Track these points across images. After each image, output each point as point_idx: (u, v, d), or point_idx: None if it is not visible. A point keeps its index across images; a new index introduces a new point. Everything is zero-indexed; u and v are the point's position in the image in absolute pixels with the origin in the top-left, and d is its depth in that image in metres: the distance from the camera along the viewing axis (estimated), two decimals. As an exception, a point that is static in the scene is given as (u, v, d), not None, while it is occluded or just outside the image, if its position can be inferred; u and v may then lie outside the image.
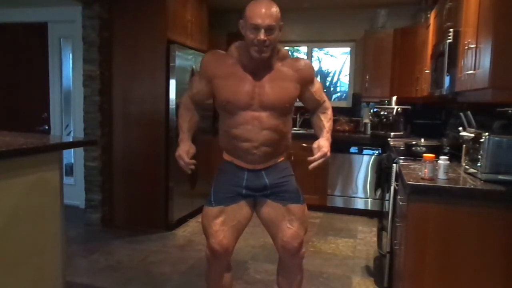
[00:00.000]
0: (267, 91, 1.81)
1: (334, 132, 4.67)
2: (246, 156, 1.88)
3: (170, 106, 3.70)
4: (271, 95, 1.81)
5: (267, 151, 1.87)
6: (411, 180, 1.84)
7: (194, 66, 3.92)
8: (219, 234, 1.88)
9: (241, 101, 1.80)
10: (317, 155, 1.83)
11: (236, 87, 1.81)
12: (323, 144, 1.87)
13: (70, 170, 4.52)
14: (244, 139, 1.84)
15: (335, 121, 4.89)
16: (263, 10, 1.69)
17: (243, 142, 1.85)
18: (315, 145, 1.88)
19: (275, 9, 1.72)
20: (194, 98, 1.99)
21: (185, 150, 1.91)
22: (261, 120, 1.82)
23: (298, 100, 1.96)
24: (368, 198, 4.42)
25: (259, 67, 1.83)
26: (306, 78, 1.91)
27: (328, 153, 1.86)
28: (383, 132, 4.36)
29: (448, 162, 1.88)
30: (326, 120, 2.01)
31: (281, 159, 1.98)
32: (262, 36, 1.69)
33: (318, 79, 5.06)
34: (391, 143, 3.56)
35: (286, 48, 5.36)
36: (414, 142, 2.84)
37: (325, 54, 5.55)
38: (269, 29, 1.70)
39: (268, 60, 1.81)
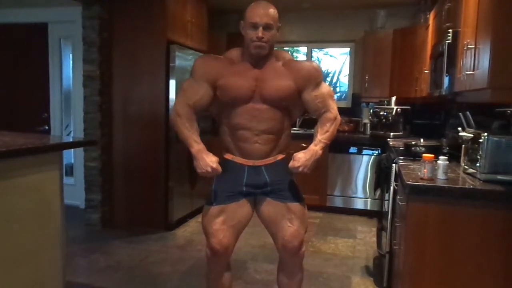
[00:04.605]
0: (267, 85, 1.85)
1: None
2: (247, 146, 1.89)
3: (170, 106, 3.70)
4: (270, 89, 1.85)
5: (268, 138, 1.89)
6: (410, 180, 1.85)
7: (194, 66, 3.91)
8: (219, 233, 1.89)
9: (245, 95, 1.85)
10: (289, 164, 1.86)
11: (240, 83, 1.85)
12: (300, 156, 1.84)
13: (70, 170, 4.52)
14: (246, 128, 1.87)
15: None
16: (261, 10, 1.80)
17: (244, 130, 1.88)
18: (294, 154, 1.86)
19: (272, 10, 1.83)
20: (196, 105, 1.90)
21: (215, 161, 1.85)
22: (262, 110, 1.86)
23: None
24: (367, 198, 4.42)
25: (259, 64, 1.88)
26: (305, 79, 1.90)
27: (302, 168, 1.82)
28: (382, 132, 4.36)
29: (447, 162, 1.88)
30: (321, 133, 1.92)
31: (281, 157, 1.98)
32: (260, 33, 1.78)
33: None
34: (391, 143, 3.56)
35: (286, 48, 5.41)
36: (413, 142, 2.85)
37: (324, 54, 5.56)
38: (266, 27, 1.79)
39: (266, 58, 1.87)
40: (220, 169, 1.86)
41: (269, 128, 1.89)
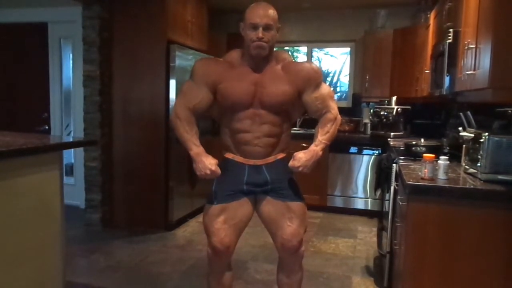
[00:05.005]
0: (266, 91, 1.86)
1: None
2: (248, 148, 1.90)
3: (170, 106, 3.70)
4: (269, 96, 1.86)
5: (268, 141, 1.90)
6: (411, 180, 1.84)
7: (194, 66, 3.91)
8: (221, 232, 1.90)
9: (245, 102, 1.86)
10: (289, 163, 1.87)
11: (239, 89, 1.85)
12: (300, 156, 1.85)
13: (70, 170, 4.52)
14: (247, 131, 1.88)
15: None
16: (261, 11, 1.81)
17: (245, 133, 1.89)
18: (295, 154, 1.88)
19: (272, 11, 1.83)
20: (195, 108, 1.91)
21: (214, 163, 1.86)
22: (261, 115, 1.87)
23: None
24: (368, 198, 4.42)
25: (259, 67, 1.88)
26: (305, 81, 1.90)
27: (302, 168, 1.84)
28: (383, 132, 4.36)
29: (448, 162, 1.88)
30: (321, 133, 1.93)
31: (281, 156, 1.98)
32: (260, 33, 1.78)
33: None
34: (391, 143, 3.56)
35: (286, 48, 5.41)
36: (414, 142, 2.85)
37: (325, 54, 5.55)
38: (266, 28, 1.80)
39: (266, 60, 1.88)
40: (219, 171, 1.87)
41: (269, 131, 1.89)
